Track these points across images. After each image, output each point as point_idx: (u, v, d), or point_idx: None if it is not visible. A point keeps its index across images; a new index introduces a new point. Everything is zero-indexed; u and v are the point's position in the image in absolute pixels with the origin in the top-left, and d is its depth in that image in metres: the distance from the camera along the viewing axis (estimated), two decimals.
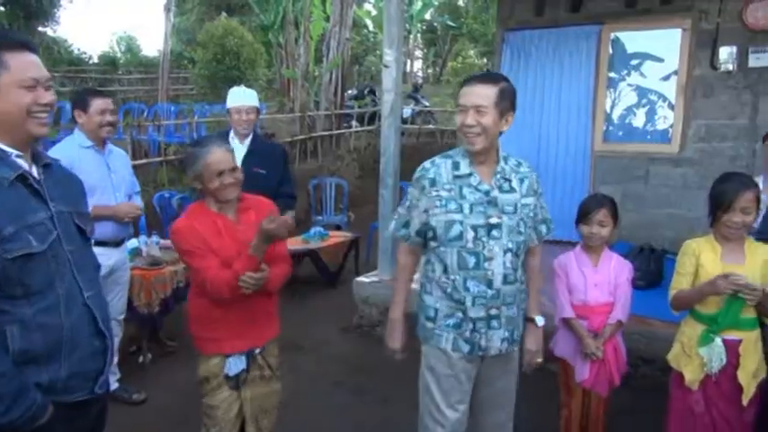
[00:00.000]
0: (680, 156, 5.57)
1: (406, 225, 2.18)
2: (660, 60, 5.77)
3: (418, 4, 20.94)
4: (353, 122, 12.88)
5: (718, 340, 2.23)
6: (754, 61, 5.10)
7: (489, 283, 2.05)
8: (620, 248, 4.52)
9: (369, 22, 20.86)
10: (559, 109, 6.11)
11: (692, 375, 2.30)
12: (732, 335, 2.24)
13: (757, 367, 2.27)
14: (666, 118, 5.78)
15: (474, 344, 2.11)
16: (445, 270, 2.09)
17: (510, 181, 2.10)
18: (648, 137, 5.94)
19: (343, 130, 11.70)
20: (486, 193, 2.05)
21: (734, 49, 5.22)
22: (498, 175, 2.08)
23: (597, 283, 2.60)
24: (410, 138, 12.69)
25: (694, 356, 2.28)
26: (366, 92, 14.71)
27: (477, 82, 2.05)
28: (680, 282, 2.34)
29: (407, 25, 21.76)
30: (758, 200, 2.22)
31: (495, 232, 2.04)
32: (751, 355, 2.25)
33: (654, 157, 5.77)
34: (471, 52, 23.58)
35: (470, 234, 2.03)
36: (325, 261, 5.75)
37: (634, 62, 5.94)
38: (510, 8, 6.36)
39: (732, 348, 2.24)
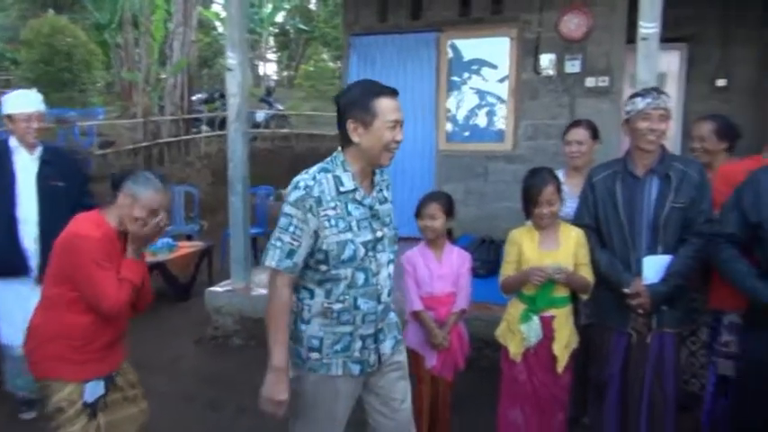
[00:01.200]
0: (513, 153, 6.08)
1: (291, 255, 1.89)
2: (494, 66, 6.25)
3: (269, 7, 20.69)
4: (204, 127, 12.40)
5: (536, 318, 2.49)
6: (570, 68, 5.72)
7: (378, 298, 2.01)
8: (463, 241, 4.84)
9: (218, 24, 20.20)
10: (405, 112, 6.32)
11: (515, 349, 2.56)
12: (548, 312, 2.51)
13: (569, 339, 2.55)
14: (502, 119, 6.28)
15: (364, 362, 2.02)
16: (329, 294, 1.95)
17: (382, 191, 2.06)
18: (487, 136, 6.41)
19: (192, 136, 11.22)
20: (370, 207, 1.98)
21: (553, 56, 5.81)
22: (377, 187, 2.03)
23: (441, 275, 2.75)
24: (264, 142, 12.50)
25: (516, 333, 2.53)
26: (217, 95, 14.22)
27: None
28: (507, 269, 2.58)
29: (258, 28, 21.39)
30: (560, 190, 2.50)
31: (379, 246, 2.00)
32: (563, 328, 2.53)
33: (491, 155, 6.23)
34: (325, 56, 23.76)
35: (362, 252, 1.93)
36: (174, 273, 5.48)
37: (474, 67, 6.36)
38: (355, 14, 6.52)
39: (547, 324, 2.51)
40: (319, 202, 1.88)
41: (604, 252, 2.53)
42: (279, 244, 1.90)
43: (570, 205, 2.73)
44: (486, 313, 3.68)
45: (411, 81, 6.33)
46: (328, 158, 1.99)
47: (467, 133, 6.47)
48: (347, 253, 1.91)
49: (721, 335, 2.63)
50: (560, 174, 2.79)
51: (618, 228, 2.49)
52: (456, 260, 2.80)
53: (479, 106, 6.39)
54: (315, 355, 1.98)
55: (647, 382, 2.47)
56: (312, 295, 1.97)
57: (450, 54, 6.37)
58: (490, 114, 6.34)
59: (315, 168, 1.96)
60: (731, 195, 2.27)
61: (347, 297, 1.94)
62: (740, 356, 2.42)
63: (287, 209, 1.90)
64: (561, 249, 2.50)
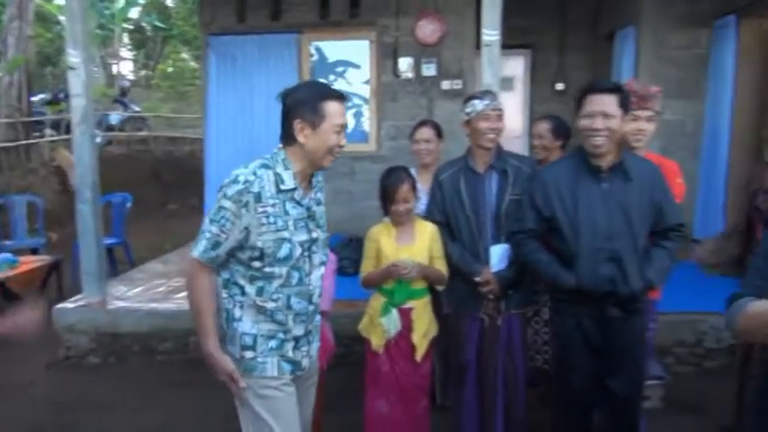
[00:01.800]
0: (377, 153, 6.26)
1: (216, 246, 1.88)
2: (358, 67, 6.38)
3: (120, 2, 19.36)
4: (48, 130, 11.31)
5: (394, 311, 2.60)
6: (426, 71, 6.01)
7: (310, 299, 2.01)
8: (332, 240, 4.90)
9: (62, 18, 18.53)
10: (269, 113, 6.29)
11: (377, 341, 2.66)
12: (407, 304, 2.64)
13: (428, 328, 2.70)
14: (368, 120, 6.43)
15: (296, 363, 2.01)
16: (261, 291, 1.93)
17: (318, 193, 2.06)
18: (353, 137, 6.52)
19: (34, 140, 10.21)
20: (308, 208, 1.97)
21: (411, 60, 6.06)
22: (314, 189, 2.03)
23: None
24: (120, 146, 11.70)
25: (378, 325, 2.63)
26: (62, 96, 13.04)
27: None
28: (366, 265, 2.68)
29: (110, 24, 19.94)
30: (415, 188, 2.64)
31: (314, 247, 1.99)
32: (422, 319, 2.67)
33: (357, 156, 6.35)
34: (185, 55, 22.70)
35: (298, 251, 1.93)
36: (16, 291, 4.97)
37: (339, 69, 6.45)
38: (212, 13, 6.34)
39: (406, 315, 2.63)
40: (258, 198, 1.85)
41: (455, 245, 2.70)
42: (207, 235, 1.89)
43: (424, 201, 2.89)
44: (354, 310, 3.73)
45: (274, 82, 6.25)
46: (267, 155, 1.94)
47: None
48: (283, 251, 1.90)
49: None
50: (412, 172, 2.93)
51: (465, 221, 2.66)
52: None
53: (346, 108, 6.49)
54: (249, 354, 1.95)
55: (500, 360, 2.67)
56: (243, 292, 1.95)
57: (315, 56, 6.41)
58: (357, 115, 6.47)
59: (255, 164, 1.90)
60: (526, 194, 2.49)
61: (281, 296, 1.93)
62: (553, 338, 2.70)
63: (222, 201, 1.86)
64: (417, 244, 2.63)
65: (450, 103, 6.00)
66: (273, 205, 1.87)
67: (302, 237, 1.93)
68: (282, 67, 6.25)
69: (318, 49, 6.42)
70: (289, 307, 1.95)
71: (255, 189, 1.84)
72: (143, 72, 25.85)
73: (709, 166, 5.74)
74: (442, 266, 2.66)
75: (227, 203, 1.85)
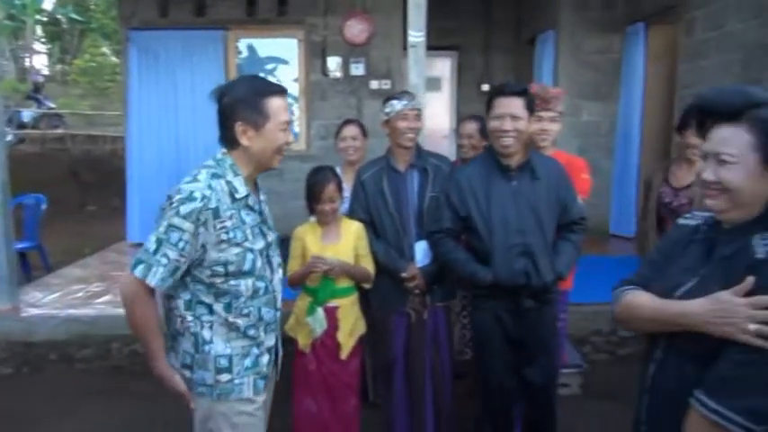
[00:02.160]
0: (307, 153, 6.23)
1: (174, 272, 1.70)
2: (288, 64, 6.32)
3: None
4: None
5: (320, 310, 2.61)
6: (355, 70, 6.04)
7: (275, 304, 1.90)
8: None
9: None
10: (195, 111, 6.14)
11: (303, 340, 2.67)
12: (332, 303, 2.65)
13: (354, 327, 2.72)
14: (297, 119, 6.38)
15: (266, 376, 1.90)
16: (229, 307, 1.78)
17: (261, 193, 1.93)
18: None
19: None
20: (260, 212, 1.86)
21: (339, 59, 6.07)
22: (261, 190, 1.92)
23: None
24: (33, 144, 11.05)
25: (304, 325, 2.63)
26: None
27: None
28: (292, 264, 2.67)
29: (22, 15, 18.77)
30: (341, 188, 2.66)
31: (270, 250, 1.88)
32: (348, 317, 2.68)
33: (286, 155, 6.18)
34: (105, 49, 21.70)
35: (259, 260, 1.80)
36: None
37: (269, 66, 6.36)
38: (132, 7, 6.11)
39: (332, 314, 2.65)
40: (216, 213, 1.70)
41: (380, 242, 2.73)
42: (164, 261, 1.68)
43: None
44: (286, 310, 3.73)
45: (199, 80, 6.12)
46: (211, 162, 1.78)
47: None
48: (247, 264, 1.77)
49: None
50: (337, 170, 2.95)
51: (389, 219, 2.71)
52: None
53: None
54: (225, 377, 1.80)
55: (427, 353, 2.73)
56: (210, 311, 1.79)
57: (245, 53, 6.30)
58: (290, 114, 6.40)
59: (204, 174, 1.73)
60: (443, 194, 2.56)
61: (251, 309, 1.81)
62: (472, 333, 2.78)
63: (176, 221, 1.67)
64: (342, 243, 2.65)
65: (378, 103, 5.98)
66: (231, 217, 1.73)
67: (260, 244, 1.81)
68: (208, 64, 6.10)
69: (250, 47, 6.32)
70: (260, 319, 1.84)
71: (213, 204, 1.69)
72: (59, 66, 24.49)
73: (622, 165, 6.09)
74: (368, 264, 2.69)
75: (185, 224, 1.67)
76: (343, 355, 2.66)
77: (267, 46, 6.33)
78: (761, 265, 1.18)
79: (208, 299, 1.78)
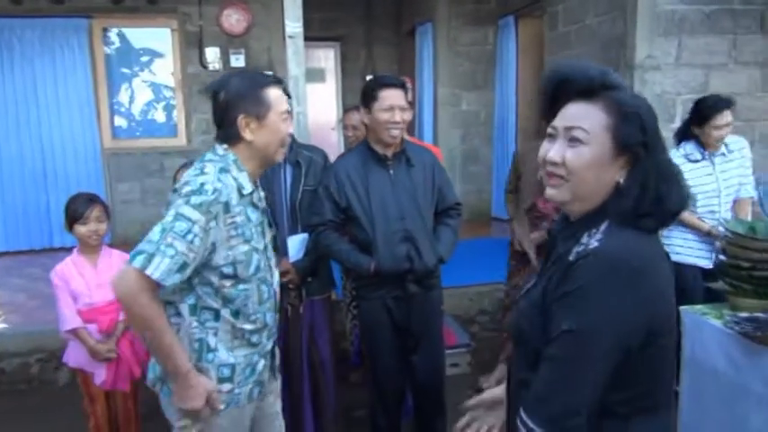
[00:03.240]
0: (188, 148, 5.97)
1: (183, 269, 1.53)
2: (164, 57, 6.00)
3: None
4: None
5: None
6: (234, 62, 5.86)
7: (276, 308, 1.83)
8: None
9: None
10: (59, 106, 5.68)
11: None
12: None
13: None
14: (177, 113, 6.08)
15: (262, 383, 1.82)
16: (237, 314, 1.69)
17: (260, 189, 1.86)
18: (162, 131, 6.14)
19: None
20: (263, 211, 1.79)
21: (217, 50, 5.85)
22: (259, 186, 1.84)
23: (101, 283, 2.56)
24: None
25: None
26: None
27: None
28: None
29: None
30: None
31: (269, 250, 1.81)
32: None
33: (166, 151, 6.00)
34: None
35: (264, 260, 1.73)
36: None
37: (144, 58, 6.00)
38: None
39: None
40: (227, 208, 1.61)
41: None
42: (171, 252, 1.51)
43: None
44: None
45: (62, 72, 5.67)
46: (214, 156, 1.69)
47: (140, 129, 6.11)
48: (253, 264, 1.69)
49: None
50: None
51: None
52: (116, 264, 2.64)
53: (157, 100, 6.09)
54: (226, 387, 1.71)
55: (304, 347, 2.71)
56: (217, 316, 1.68)
57: (117, 43, 5.90)
58: (169, 108, 6.10)
59: (211, 167, 1.64)
60: (322, 186, 2.56)
61: (258, 315, 1.73)
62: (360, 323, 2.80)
63: (186, 210, 1.54)
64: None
65: None
66: (240, 213, 1.66)
67: (261, 243, 1.75)
68: (71, 55, 5.65)
69: (122, 37, 5.92)
70: (265, 324, 1.77)
71: (224, 198, 1.61)
72: None
73: (500, 151, 6.41)
74: None
75: (195, 215, 1.54)
76: None
77: (142, 36, 5.98)
78: (569, 267, 1.05)
79: (215, 303, 1.68)
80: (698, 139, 3.03)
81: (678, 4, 3.87)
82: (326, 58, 7.96)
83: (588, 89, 1.09)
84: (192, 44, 5.84)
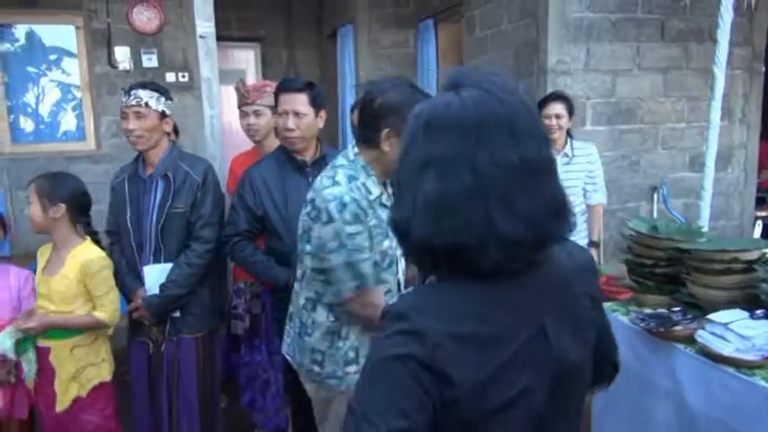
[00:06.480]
0: (98, 152, 5.64)
1: (368, 270, 1.72)
2: (74, 56, 5.64)
3: None
4: None
5: (30, 352, 2.26)
6: (147, 62, 5.58)
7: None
8: None
9: None
10: None
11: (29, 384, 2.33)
12: (43, 342, 2.31)
13: (76, 374, 2.32)
14: (85, 115, 5.73)
15: None
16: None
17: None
18: (69, 135, 5.77)
19: None
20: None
21: (128, 49, 5.56)
22: (388, 186, 1.86)
23: None
24: None
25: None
26: None
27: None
28: None
29: None
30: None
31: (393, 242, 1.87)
32: (65, 362, 2.30)
33: (73, 156, 5.64)
34: None
35: (397, 256, 1.86)
36: None
37: (53, 57, 5.61)
38: None
39: (44, 356, 2.30)
40: (366, 213, 1.73)
41: (121, 260, 2.46)
42: (363, 257, 1.71)
43: None
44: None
45: None
46: (344, 161, 1.79)
47: (47, 132, 5.70)
48: (387, 260, 1.83)
49: (233, 300, 2.85)
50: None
51: (126, 233, 2.42)
52: (14, 281, 2.43)
53: (66, 101, 5.71)
54: (352, 369, 1.83)
55: (164, 387, 2.48)
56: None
57: (22, 41, 5.48)
58: (77, 109, 5.73)
59: (342, 176, 1.74)
60: (236, 196, 2.44)
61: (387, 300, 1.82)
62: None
63: (347, 229, 1.67)
64: (59, 275, 2.33)
65: (177, 96, 5.65)
66: (374, 216, 1.78)
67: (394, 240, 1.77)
68: None
69: (30, 34, 5.51)
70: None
71: (364, 204, 1.73)
72: None
73: None
74: (103, 308, 2.30)
75: (354, 228, 1.68)
76: (59, 406, 2.31)
77: (52, 34, 5.59)
78: None
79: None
80: None
81: (586, 12, 4.03)
82: (247, 59, 7.77)
83: None
84: (99, 42, 5.51)
